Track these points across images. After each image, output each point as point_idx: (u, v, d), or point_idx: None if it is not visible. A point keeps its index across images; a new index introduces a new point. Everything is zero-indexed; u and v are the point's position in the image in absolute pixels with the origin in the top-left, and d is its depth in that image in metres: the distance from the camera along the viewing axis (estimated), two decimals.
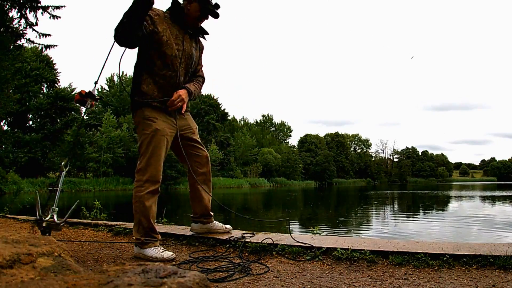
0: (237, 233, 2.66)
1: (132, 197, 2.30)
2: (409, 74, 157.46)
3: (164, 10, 2.35)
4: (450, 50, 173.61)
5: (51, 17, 10.35)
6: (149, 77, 2.26)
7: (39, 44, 10.86)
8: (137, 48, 2.28)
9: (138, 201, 2.26)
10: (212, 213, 2.69)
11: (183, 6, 2.35)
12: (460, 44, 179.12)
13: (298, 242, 2.32)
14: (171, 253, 2.29)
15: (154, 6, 2.16)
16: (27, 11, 9.89)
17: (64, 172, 2.24)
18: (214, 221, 2.71)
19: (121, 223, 3.47)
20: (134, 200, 2.28)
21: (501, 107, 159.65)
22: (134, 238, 2.33)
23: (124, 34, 2.07)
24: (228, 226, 2.77)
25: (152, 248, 2.27)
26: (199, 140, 2.54)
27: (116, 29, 2.08)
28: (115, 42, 2.13)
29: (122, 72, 45.05)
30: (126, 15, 2.04)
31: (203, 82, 2.56)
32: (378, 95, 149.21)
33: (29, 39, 10.52)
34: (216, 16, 2.38)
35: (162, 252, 2.27)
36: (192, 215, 2.71)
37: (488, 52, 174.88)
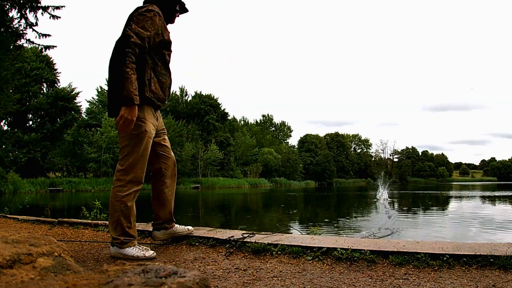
0: (237, 233, 2.66)
1: (111, 196, 2.24)
2: (407, 74, 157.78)
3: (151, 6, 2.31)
4: (448, 51, 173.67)
5: (51, 17, 10.35)
6: (155, 77, 2.30)
7: (39, 44, 10.87)
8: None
9: (119, 200, 2.21)
10: (174, 219, 2.60)
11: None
12: (458, 45, 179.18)
13: (298, 242, 2.32)
14: (153, 251, 2.27)
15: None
16: (27, 11, 9.90)
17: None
18: (176, 225, 2.62)
19: None
20: (114, 199, 2.22)
21: (498, 107, 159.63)
22: (111, 237, 2.26)
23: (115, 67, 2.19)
24: (190, 227, 2.69)
25: (132, 247, 2.23)
26: (169, 143, 2.58)
27: (123, 53, 2.09)
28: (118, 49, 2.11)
29: None
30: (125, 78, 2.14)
31: None
32: (377, 96, 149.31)
33: (29, 39, 10.54)
34: (185, 9, 2.53)
35: (143, 251, 2.23)
36: (153, 221, 2.59)
37: (485, 53, 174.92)
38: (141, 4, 2.38)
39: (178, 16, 2.52)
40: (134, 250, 2.22)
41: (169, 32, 2.42)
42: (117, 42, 2.15)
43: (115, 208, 2.22)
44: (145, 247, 2.29)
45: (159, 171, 2.50)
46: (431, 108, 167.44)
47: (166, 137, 2.56)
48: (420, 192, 25.08)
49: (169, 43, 2.38)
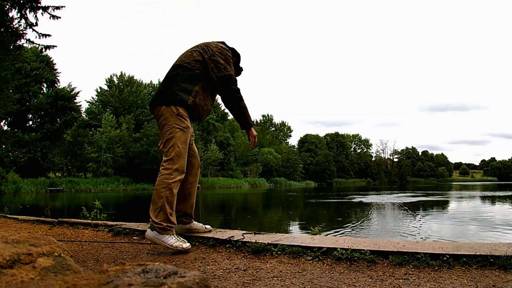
0: (237, 233, 2.66)
1: (157, 184, 2.35)
2: (407, 75, 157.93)
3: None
4: (447, 51, 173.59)
5: (51, 18, 10.35)
6: (202, 95, 2.54)
7: (39, 44, 10.88)
8: (198, 63, 2.54)
9: (166, 187, 2.32)
10: (193, 215, 2.75)
11: None
12: (457, 45, 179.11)
13: (298, 242, 2.32)
14: (189, 244, 2.36)
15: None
16: (27, 11, 9.90)
17: None
18: (194, 222, 2.76)
19: (121, 223, 3.47)
20: (161, 186, 2.33)
21: (497, 108, 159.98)
22: (152, 221, 2.33)
23: (233, 105, 2.63)
24: (208, 226, 2.81)
25: (172, 236, 2.32)
26: (195, 147, 2.83)
27: (238, 94, 2.60)
28: (233, 90, 2.57)
29: (122, 73, 44.74)
30: (245, 109, 2.65)
31: None
32: (376, 96, 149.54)
33: (29, 40, 10.54)
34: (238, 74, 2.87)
35: (181, 242, 2.31)
36: None
37: (484, 53, 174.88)
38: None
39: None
40: (172, 240, 2.30)
41: None
42: (227, 80, 2.55)
43: (160, 194, 2.32)
44: (182, 239, 2.36)
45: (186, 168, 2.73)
46: (431, 108, 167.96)
47: (194, 142, 2.82)
48: (420, 192, 25.08)
49: None
